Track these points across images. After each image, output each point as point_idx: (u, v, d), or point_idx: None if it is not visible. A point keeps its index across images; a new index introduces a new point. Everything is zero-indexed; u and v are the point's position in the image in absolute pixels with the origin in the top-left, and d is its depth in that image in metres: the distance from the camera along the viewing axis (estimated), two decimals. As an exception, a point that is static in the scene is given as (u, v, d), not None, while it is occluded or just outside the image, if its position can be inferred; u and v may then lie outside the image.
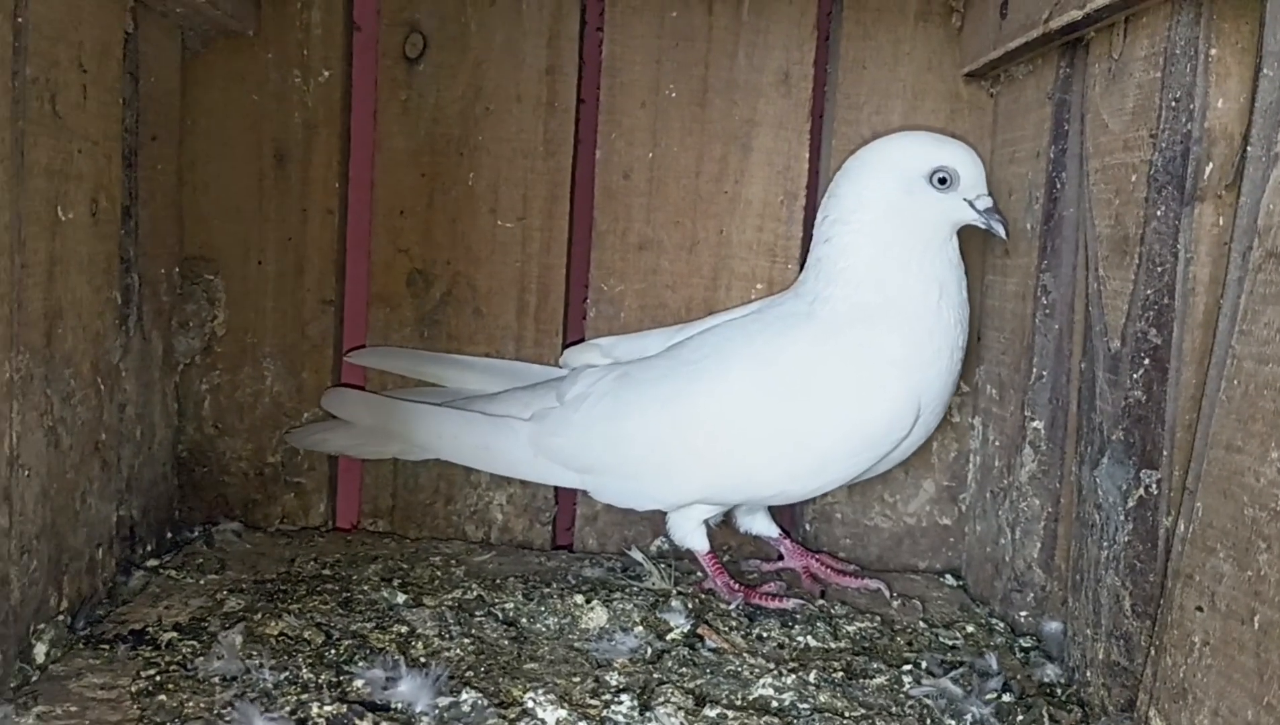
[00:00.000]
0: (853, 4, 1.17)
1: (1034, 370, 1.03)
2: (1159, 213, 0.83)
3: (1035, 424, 1.03)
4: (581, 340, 1.19)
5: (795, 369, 1.00)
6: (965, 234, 1.17)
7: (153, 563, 1.05)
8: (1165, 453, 0.81)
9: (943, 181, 0.99)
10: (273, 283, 1.17)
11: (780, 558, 1.17)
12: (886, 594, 1.11)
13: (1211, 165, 0.78)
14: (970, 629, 1.03)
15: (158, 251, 1.08)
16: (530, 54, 1.17)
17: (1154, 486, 0.82)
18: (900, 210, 1.00)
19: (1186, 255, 0.80)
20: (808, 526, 1.22)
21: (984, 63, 1.10)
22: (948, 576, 1.19)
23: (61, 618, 0.87)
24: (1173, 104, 0.81)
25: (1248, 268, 0.71)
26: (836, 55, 1.18)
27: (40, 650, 0.82)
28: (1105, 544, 0.88)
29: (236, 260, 1.17)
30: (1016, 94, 1.11)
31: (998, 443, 1.11)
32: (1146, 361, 0.84)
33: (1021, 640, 1.01)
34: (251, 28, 1.14)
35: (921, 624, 1.04)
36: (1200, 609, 0.74)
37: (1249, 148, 0.72)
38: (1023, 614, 1.04)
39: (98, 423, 0.94)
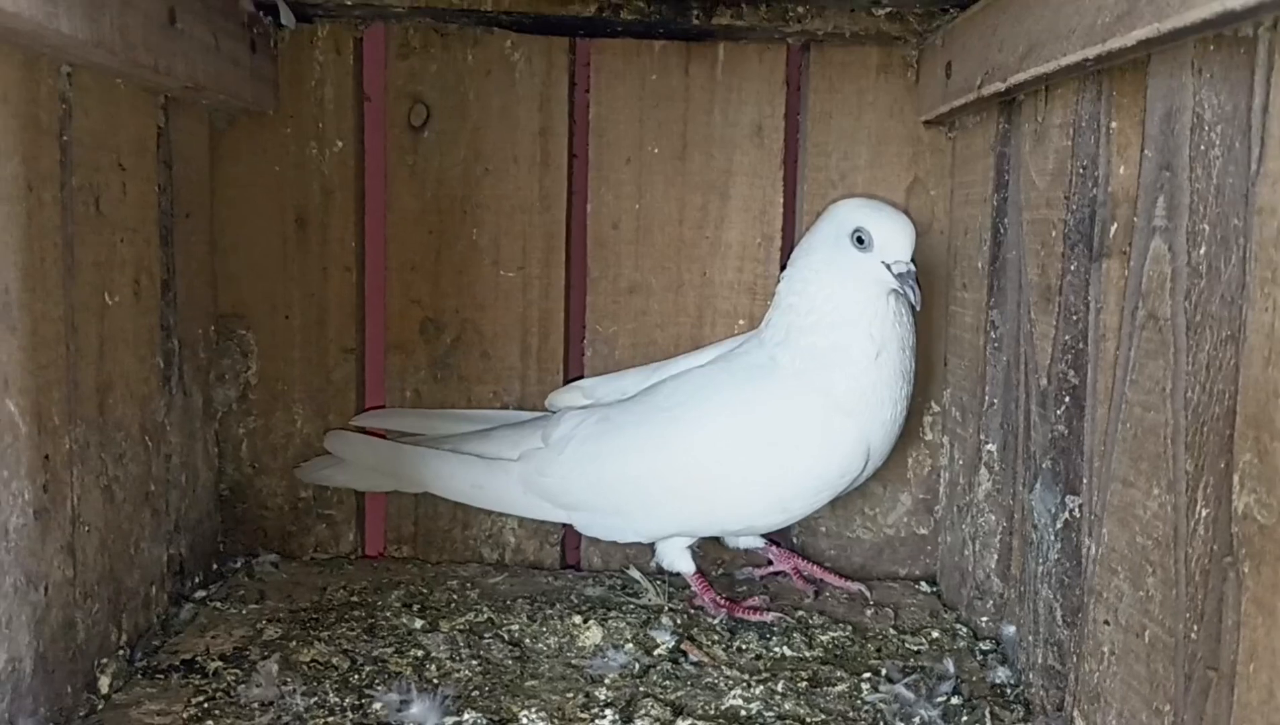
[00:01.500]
0: (819, 60, 1.27)
1: (987, 397, 1.13)
2: (1073, 267, 0.92)
3: (989, 447, 1.13)
4: (582, 376, 1.30)
5: (760, 419, 1.11)
6: (930, 264, 1.27)
7: (200, 594, 1.17)
8: (1085, 481, 0.91)
9: (860, 241, 1.09)
10: (299, 335, 1.29)
11: (770, 563, 1.28)
12: (867, 595, 1.22)
13: (1116, 225, 0.87)
14: (936, 634, 1.13)
15: (194, 314, 1.20)
16: (524, 118, 1.28)
17: (1076, 511, 0.92)
18: (835, 262, 1.10)
19: (1097, 305, 0.89)
20: (794, 539, 1.32)
21: (935, 115, 1.20)
22: (923, 583, 1.29)
23: (121, 651, 0.99)
24: (1080, 170, 0.91)
25: (1135, 325, 0.81)
26: (805, 107, 1.28)
27: (104, 682, 0.95)
28: (1041, 560, 0.98)
29: (265, 316, 1.29)
30: (968, 141, 1.20)
31: (961, 461, 1.21)
32: (1067, 399, 0.93)
33: (982, 644, 1.11)
34: (271, 106, 1.25)
35: (892, 630, 1.14)
36: (1107, 623, 0.84)
37: (1135, 218, 0.82)
38: (984, 619, 1.14)
39: (147, 475, 1.07)
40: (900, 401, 1.12)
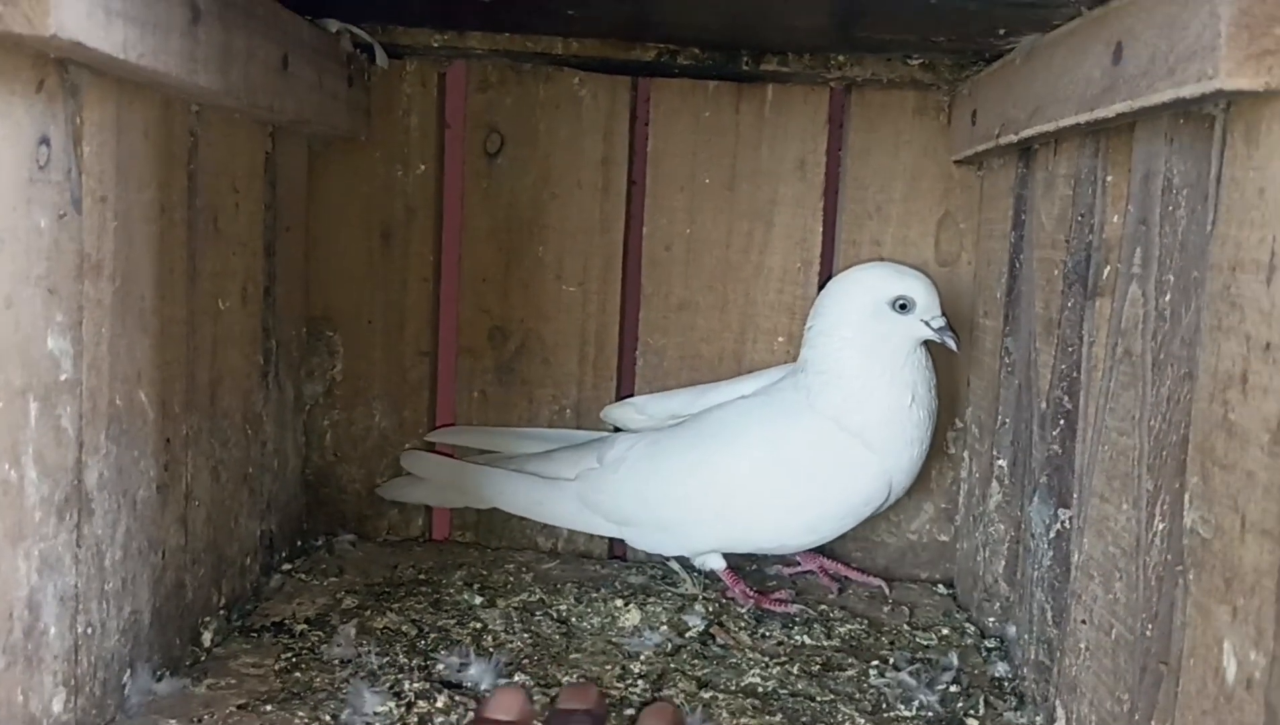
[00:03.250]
0: (859, 101, 1.38)
1: (1000, 417, 1.24)
2: (1070, 303, 1.03)
3: (1000, 462, 1.23)
4: (630, 394, 1.43)
5: (795, 453, 1.25)
6: (958, 291, 1.38)
7: (287, 567, 1.32)
8: (1075, 496, 1.01)
9: (902, 307, 1.22)
10: (380, 338, 1.44)
11: (798, 563, 1.40)
12: (886, 591, 1.34)
13: (1108, 268, 0.97)
14: (946, 631, 1.24)
15: (290, 317, 1.35)
16: (589, 147, 1.41)
17: (1067, 523, 1.03)
18: (871, 328, 1.23)
19: (1089, 339, 1.00)
20: (824, 541, 1.44)
21: (964, 156, 1.31)
22: (940, 586, 1.40)
23: (221, 612, 1.14)
24: (1079, 218, 1.02)
25: (1115, 359, 0.92)
26: (846, 144, 1.40)
27: (206, 637, 1.09)
28: (1035, 566, 1.09)
29: (351, 320, 1.43)
30: (994, 181, 1.31)
31: (977, 474, 1.32)
32: (1061, 422, 1.04)
33: (987, 642, 1.22)
34: (363, 133, 1.40)
35: (905, 626, 1.25)
36: (1084, 622, 0.95)
37: (1119, 265, 0.93)
38: (990, 619, 1.24)
39: (246, 459, 1.22)
40: (925, 439, 1.26)
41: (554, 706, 0.90)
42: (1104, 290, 0.98)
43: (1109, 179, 0.97)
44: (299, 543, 1.41)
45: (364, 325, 1.44)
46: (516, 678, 1.01)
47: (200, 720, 0.93)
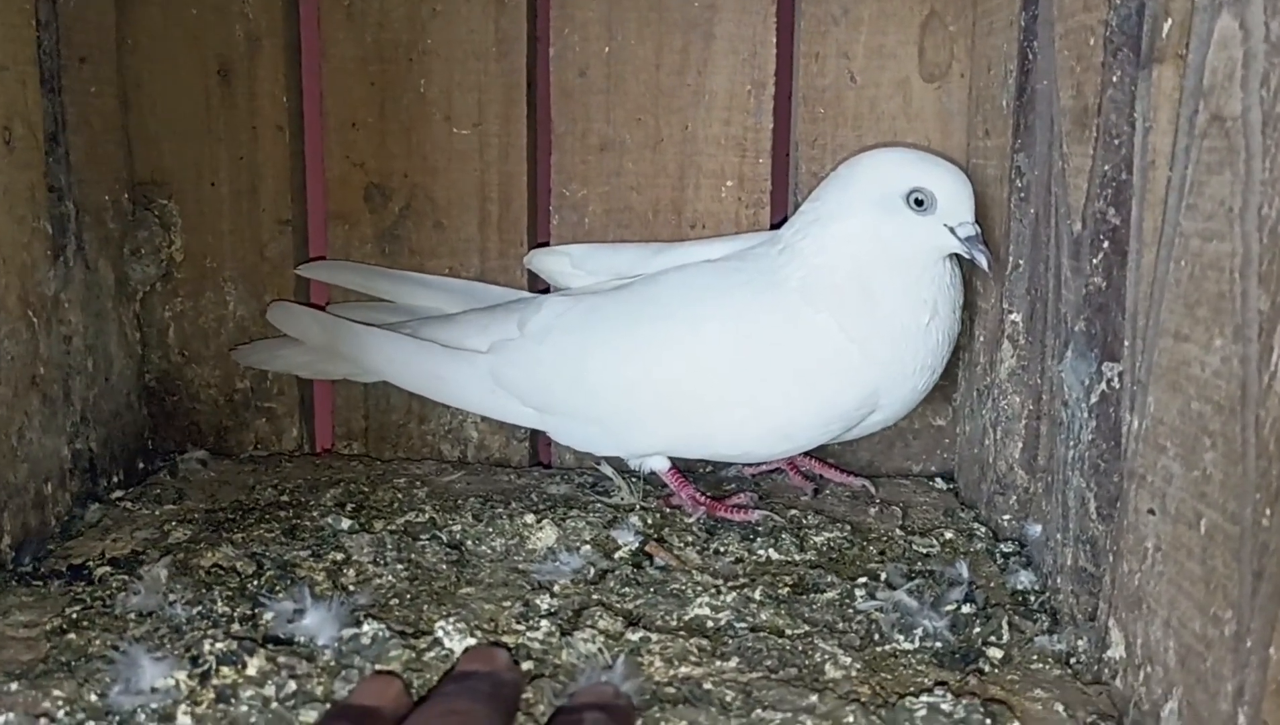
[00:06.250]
0: None
1: (1011, 259, 0.96)
2: (1115, 79, 0.75)
3: (1013, 317, 0.96)
4: (547, 244, 1.15)
5: (772, 340, 0.96)
6: (949, 112, 1.10)
7: (117, 494, 1.04)
8: (1126, 343, 0.74)
9: (919, 203, 0.93)
10: (228, 205, 1.14)
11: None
12: (871, 491, 1.08)
13: (1171, 21, 0.69)
14: (949, 535, 0.97)
15: (99, 177, 1.05)
16: (477, -53, 1.11)
17: (1115, 380, 0.76)
18: (880, 227, 0.94)
19: (1145, 124, 0.72)
20: (794, 433, 1.16)
21: (954, -75, 1.01)
22: (938, 480, 1.14)
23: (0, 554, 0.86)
24: (1127, -47, 0.73)
25: (1193, 136, 0.64)
26: (803, -72, 1.10)
27: (-31, 588, 0.82)
28: (1071, 443, 0.82)
29: (189, 183, 1.14)
30: (993, -43, 1.02)
31: (981, 337, 1.05)
32: (1106, 244, 0.76)
33: (1003, 546, 0.96)
34: (183, -63, 1.09)
35: (898, 531, 0.99)
36: (1152, 512, 0.68)
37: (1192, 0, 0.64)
38: (1005, 518, 0.98)
39: (33, 357, 0.93)
40: (939, 366, 0.98)
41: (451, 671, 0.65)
42: (1164, 53, 0.70)
43: (1170, -111, 0.69)
44: (140, 464, 1.12)
45: (206, 189, 1.14)
46: (368, 626, 0.73)
47: (-90, 710, 0.66)
